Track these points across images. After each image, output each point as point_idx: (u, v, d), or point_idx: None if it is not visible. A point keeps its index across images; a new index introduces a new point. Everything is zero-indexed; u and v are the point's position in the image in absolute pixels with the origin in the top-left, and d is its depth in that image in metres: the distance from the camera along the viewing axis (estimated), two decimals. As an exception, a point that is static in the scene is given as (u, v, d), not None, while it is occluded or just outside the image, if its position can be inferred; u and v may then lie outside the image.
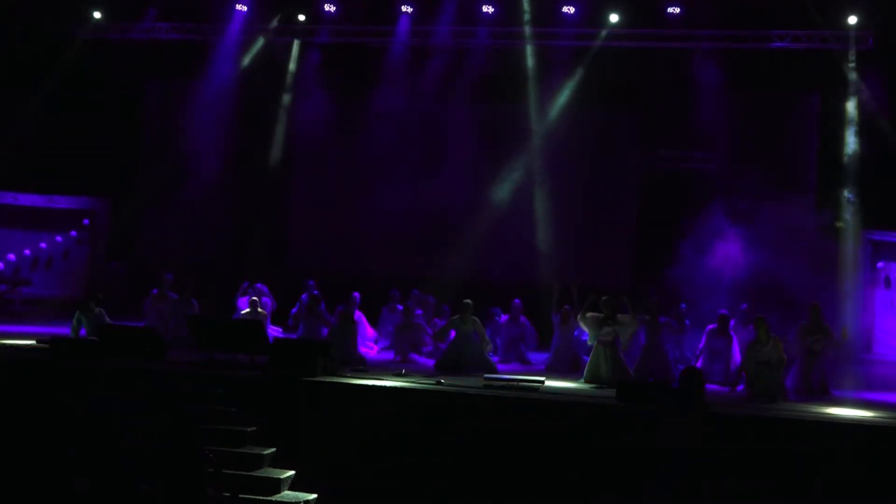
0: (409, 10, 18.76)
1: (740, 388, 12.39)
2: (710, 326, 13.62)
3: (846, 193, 17.00)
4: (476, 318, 13.92)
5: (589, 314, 13.07)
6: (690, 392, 10.66)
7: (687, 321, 14.91)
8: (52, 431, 10.19)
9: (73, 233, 20.29)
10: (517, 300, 15.41)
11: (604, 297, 13.08)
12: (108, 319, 14.16)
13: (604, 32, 18.14)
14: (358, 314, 14.92)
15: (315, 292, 15.41)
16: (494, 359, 14.20)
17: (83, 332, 14.22)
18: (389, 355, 14.97)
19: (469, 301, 14.05)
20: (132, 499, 9.17)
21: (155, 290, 15.60)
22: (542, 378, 12.35)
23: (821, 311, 13.12)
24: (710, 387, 13.21)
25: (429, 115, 18.98)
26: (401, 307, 15.80)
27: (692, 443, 10.08)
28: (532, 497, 10.41)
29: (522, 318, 15.27)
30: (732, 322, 13.79)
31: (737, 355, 13.24)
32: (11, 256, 19.78)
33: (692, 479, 10.05)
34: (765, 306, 14.53)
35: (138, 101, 20.40)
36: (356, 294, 15.39)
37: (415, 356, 14.60)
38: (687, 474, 10.06)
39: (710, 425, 10.33)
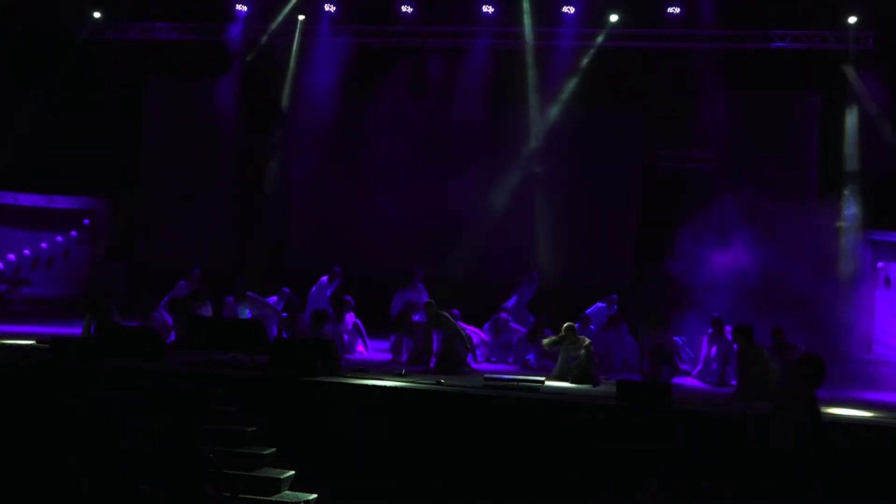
0: (409, 10, 18.76)
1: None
2: (709, 331, 13.81)
3: (846, 193, 17.00)
4: (446, 316, 13.82)
5: (547, 340, 13.50)
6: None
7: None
8: (53, 431, 10.19)
9: (73, 233, 20.30)
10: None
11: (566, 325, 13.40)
12: (117, 318, 14.03)
13: (604, 32, 18.16)
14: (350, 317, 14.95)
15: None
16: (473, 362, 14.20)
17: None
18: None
19: (431, 301, 14.17)
20: (132, 499, 9.17)
21: (182, 282, 15.58)
22: (541, 378, 12.37)
23: (783, 333, 13.04)
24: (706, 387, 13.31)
25: (429, 116, 18.98)
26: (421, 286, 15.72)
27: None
28: (532, 497, 10.41)
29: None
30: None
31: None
32: (11, 256, 19.79)
33: (692, 479, 10.05)
34: (766, 306, 14.55)
35: (138, 100, 20.40)
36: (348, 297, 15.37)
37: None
38: (687, 474, 10.06)
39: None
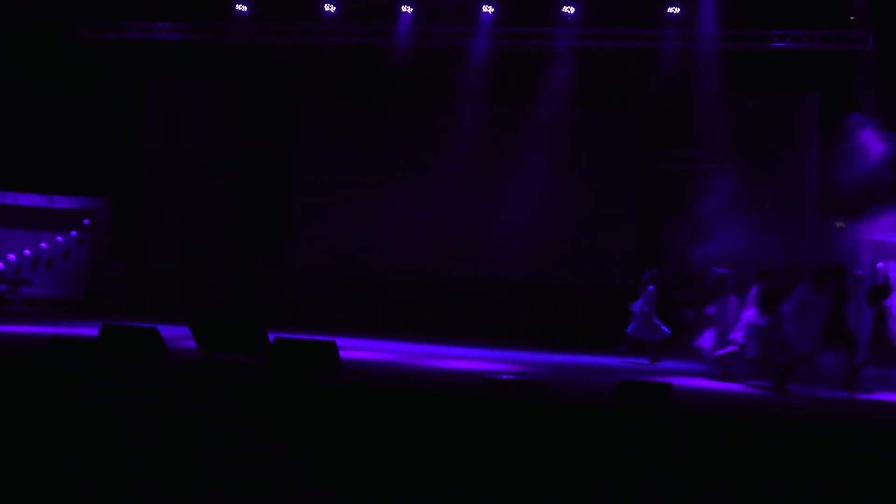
0: (409, 10, 18.77)
1: None
2: None
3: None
4: None
5: None
6: None
7: None
8: (53, 431, 10.19)
9: (73, 233, 20.32)
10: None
11: None
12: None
13: (603, 32, 18.17)
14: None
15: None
16: None
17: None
18: None
19: None
20: (132, 499, 9.17)
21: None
22: (542, 378, 12.37)
23: None
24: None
25: (429, 115, 18.99)
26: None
27: None
28: (532, 497, 10.42)
29: None
30: None
31: None
32: (11, 256, 19.80)
33: (692, 479, 10.05)
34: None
35: (138, 101, 20.41)
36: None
37: None
38: (687, 474, 10.07)
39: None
